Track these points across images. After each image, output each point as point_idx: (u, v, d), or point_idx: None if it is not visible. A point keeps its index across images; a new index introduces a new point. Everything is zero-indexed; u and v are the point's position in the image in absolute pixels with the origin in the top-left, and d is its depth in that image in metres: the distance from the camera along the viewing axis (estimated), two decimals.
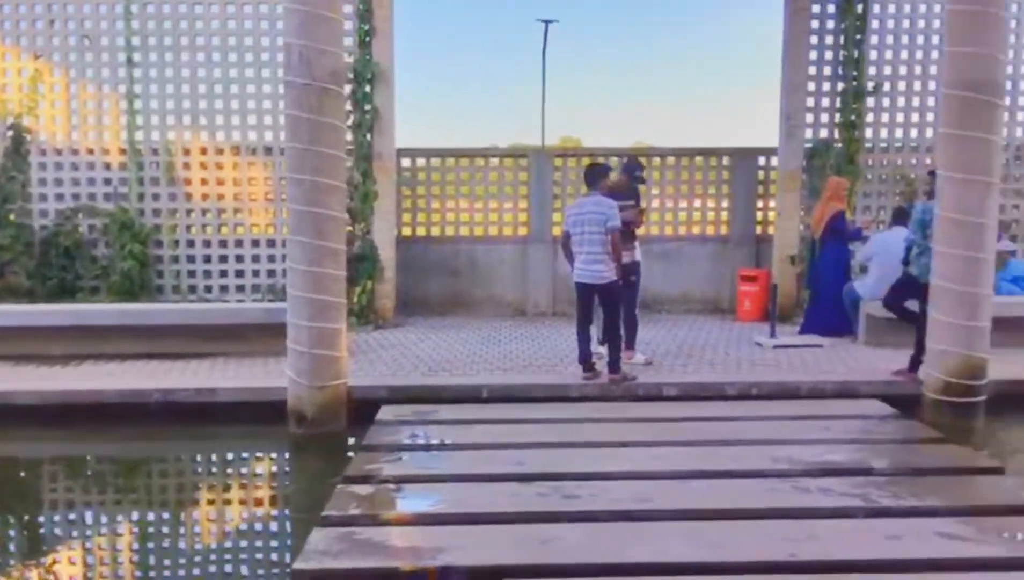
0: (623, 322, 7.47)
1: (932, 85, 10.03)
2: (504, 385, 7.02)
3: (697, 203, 11.10)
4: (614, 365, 7.04)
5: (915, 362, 6.96)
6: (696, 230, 11.06)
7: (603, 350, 7.22)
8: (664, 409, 6.55)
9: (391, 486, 4.86)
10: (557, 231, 9.72)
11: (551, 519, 4.35)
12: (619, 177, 8.07)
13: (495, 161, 11.08)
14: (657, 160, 10.93)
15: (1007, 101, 9.32)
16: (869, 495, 4.63)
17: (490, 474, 5.02)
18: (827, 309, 8.99)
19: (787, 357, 8.01)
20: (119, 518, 5.25)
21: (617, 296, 7.12)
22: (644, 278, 8.02)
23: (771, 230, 10.57)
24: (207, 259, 10.00)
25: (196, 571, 4.42)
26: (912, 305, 7.23)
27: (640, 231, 8.14)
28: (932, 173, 7.09)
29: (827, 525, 4.28)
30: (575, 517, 4.37)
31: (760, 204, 10.93)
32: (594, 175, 7.18)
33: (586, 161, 9.09)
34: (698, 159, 11.03)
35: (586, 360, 7.13)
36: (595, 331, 7.45)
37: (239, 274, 10.01)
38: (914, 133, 10.21)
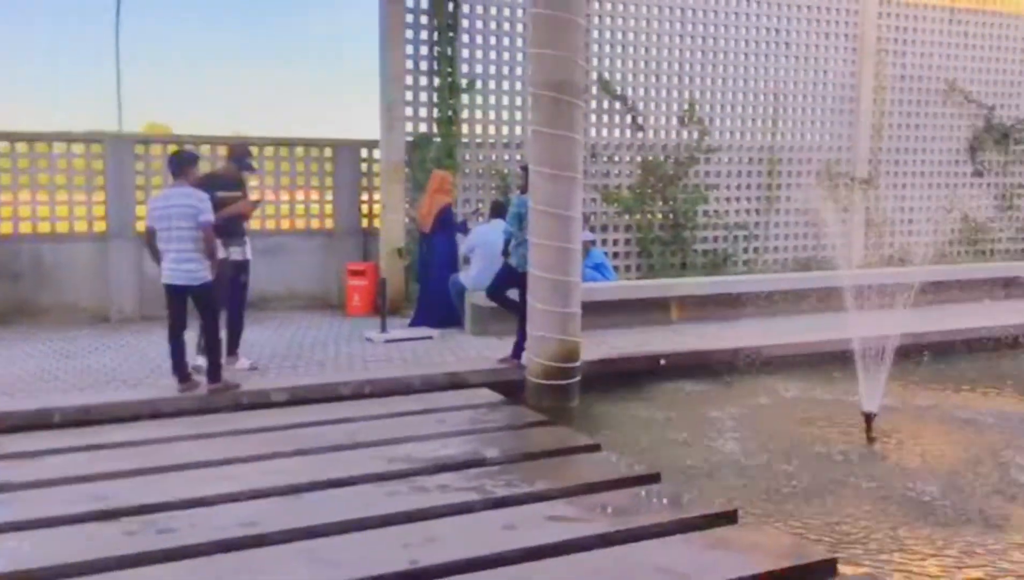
0: (226, 325, 6.86)
1: (519, 85, 10.63)
2: (81, 406, 6.04)
3: (300, 196, 10.67)
4: (214, 373, 6.40)
5: (518, 348, 7.25)
6: (301, 224, 10.63)
7: (202, 360, 6.55)
8: (273, 417, 6.06)
9: None
10: (143, 226, 8.68)
11: (140, 562, 3.69)
12: (227, 165, 7.38)
13: (62, 147, 9.63)
14: (256, 150, 10.29)
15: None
16: (485, 486, 4.61)
17: (63, 516, 4.17)
18: (436, 301, 9.11)
19: (399, 351, 7.94)
20: None
21: (214, 298, 6.48)
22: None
23: (377, 223, 10.49)
24: None
25: None
26: (514, 294, 7.52)
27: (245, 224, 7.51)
28: (524, 168, 7.43)
29: (446, 524, 4.15)
30: (171, 555, 3.76)
31: (365, 197, 10.80)
32: (180, 164, 6.44)
33: (172, 149, 8.21)
34: (299, 150, 10.60)
35: (181, 370, 6.40)
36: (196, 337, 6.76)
37: None
38: (506, 130, 10.75)
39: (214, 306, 6.49)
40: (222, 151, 9.28)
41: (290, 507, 4.34)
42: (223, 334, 6.72)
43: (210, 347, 6.44)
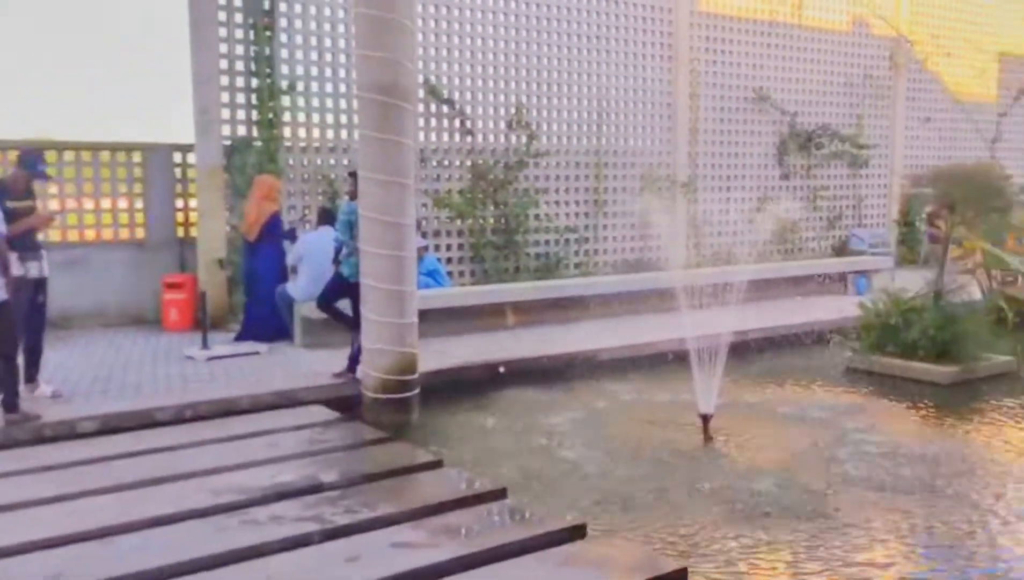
0: (23, 348, 6.18)
1: (344, 88, 10.28)
2: None
3: (107, 204, 9.84)
4: (10, 403, 5.75)
5: (353, 362, 6.95)
6: (108, 234, 9.82)
7: None
8: (81, 450, 5.47)
9: None
10: None
11: None
12: (16, 172, 6.62)
13: None
14: (54, 156, 9.40)
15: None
16: (323, 515, 4.32)
17: None
18: (264, 313, 8.64)
19: (223, 369, 7.45)
20: None
21: (11, 320, 5.80)
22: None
23: (195, 232, 9.84)
24: None
25: None
26: (346, 305, 7.22)
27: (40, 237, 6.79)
28: (352, 174, 7.16)
29: (283, 560, 3.85)
30: None
31: (180, 204, 10.11)
32: None
33: None
34: (104, 155, 9.77)
35: None
36: None
37: None
38: (332, 134, 10.36)
39: (11, 329, 5.82)
40: (12, 156, 8.40)
41: (102, 553, 3.89)
42: (20, 358, 6.05)
43: (5, 375, 5.78)
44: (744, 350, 7.84)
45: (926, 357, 7.85)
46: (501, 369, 7.64)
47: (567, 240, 12.05)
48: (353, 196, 7.02)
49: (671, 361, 7.24)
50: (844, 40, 14.98)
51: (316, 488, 4.73)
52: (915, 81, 15.97)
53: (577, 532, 4.18)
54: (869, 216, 15.63)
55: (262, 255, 8.79)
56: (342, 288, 7.13)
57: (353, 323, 6.94)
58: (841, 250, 14.85)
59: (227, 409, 6.39)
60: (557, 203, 12.06)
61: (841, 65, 14.97)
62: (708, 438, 5.96)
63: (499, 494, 4.69)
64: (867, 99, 15.28)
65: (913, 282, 8.78)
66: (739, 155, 13.83)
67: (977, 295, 9.80)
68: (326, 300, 7.38)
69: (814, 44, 14.59)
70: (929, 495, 4.99)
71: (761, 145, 14.07)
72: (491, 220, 11.48)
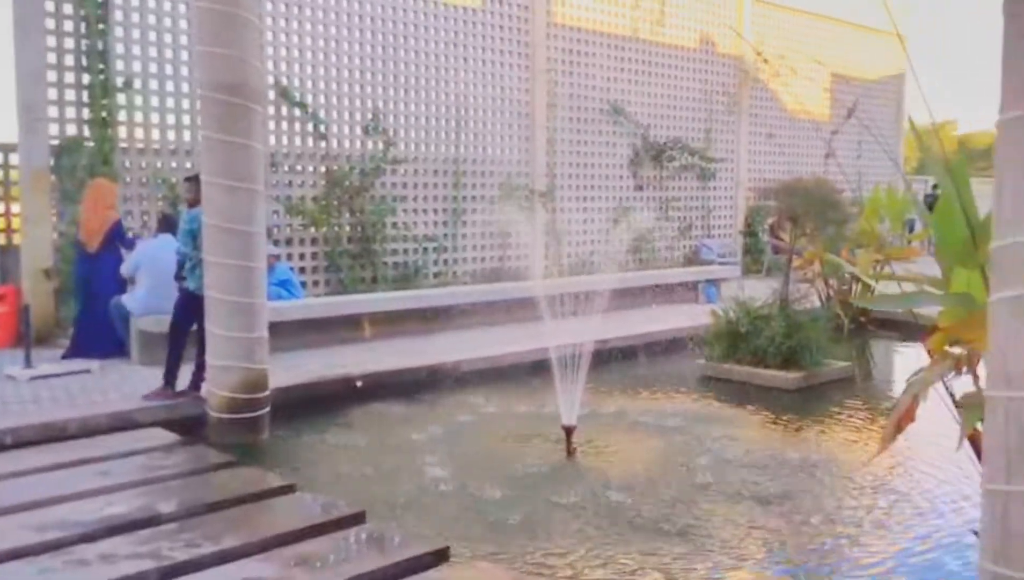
0: None
1: (187, 86, 9.70)
2: None
3: None
4: None
5: (197, 379, 6.48)
6: None
7: None
8: None
9: None
10: None
11: None
12: None
13: None
14: None
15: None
16: (161, 551, 3.92)
17: None
18: (100, 329, 7.97)
19: (49, 390, 6.81)
20: None
21: None
22: None
23: (18, 239, 9.01)
24: None
25: None
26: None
27: None
28: (190, 179, 6.70)
29: None
30: None
31: (1, 209, 9.24)
32: None
33: None
34: None
35: None
36: None
37: None
38: (172, 135, 9.74)
39: None
40: None
41: None
42: None
43: None
44: (604, 359, 7.84)
45: (773, 364, 8.10)
46: (358, 383, 7.32)
47: (425, 249, 11.82)
48: (193, 203, 6.55)
49: (534, 372, 7.14)
50: (694, 57, 15.49)
51: (153, 520, 4.32)
52: (758, 99, 16.71)
53: (440, 556, 3.98)
54: (717, 227, 16.20)
55: (102, 265, 8.12)
56: (193, 304, 6.45)
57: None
58: (692, 260, 15.30)
59: (53, 434, 5.81)
60: (415, 211, 11.82)
61: (691, 81, 15.46)
62: (571, 451, 5.85)
63: (357, 518, 4.42)
64: (715, 114, 15.86)
65: (759, 291, 9.06)
66: (595, 166, 14.01)
67: (817, 303, 10.25)
68: (179, 323, 6.69)
69: (666, 60, 15.00)
70: (790, 504, 4.98)
71: (616, 157, 14.32)
72: (347, 228, 11.12)
